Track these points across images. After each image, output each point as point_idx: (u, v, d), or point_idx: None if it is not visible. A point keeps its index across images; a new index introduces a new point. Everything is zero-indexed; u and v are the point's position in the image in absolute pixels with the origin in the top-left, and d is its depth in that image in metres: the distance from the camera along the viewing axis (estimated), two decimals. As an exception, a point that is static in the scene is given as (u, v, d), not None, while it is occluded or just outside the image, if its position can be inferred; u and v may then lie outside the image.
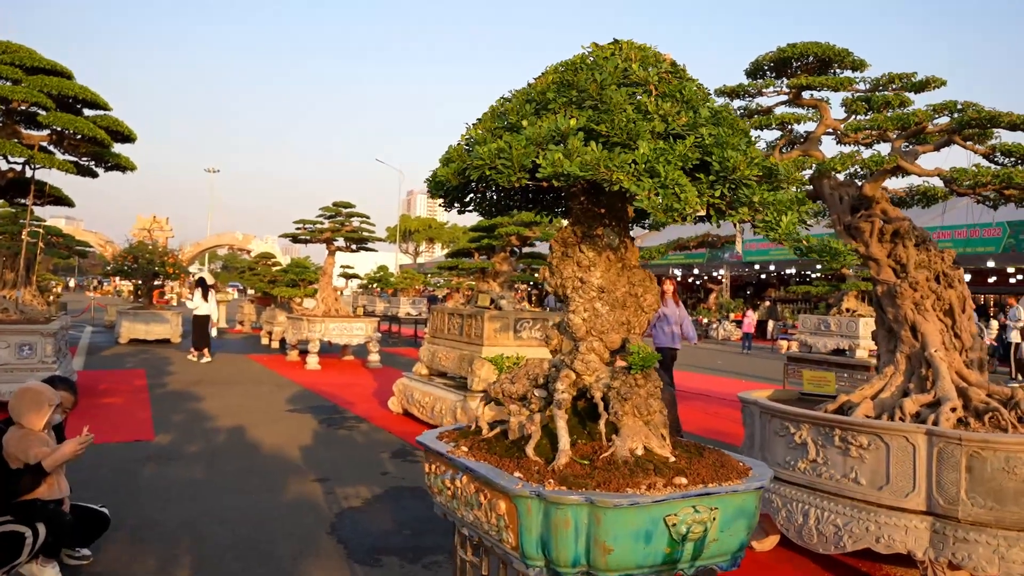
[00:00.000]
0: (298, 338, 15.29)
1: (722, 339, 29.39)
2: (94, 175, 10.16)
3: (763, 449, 4.74)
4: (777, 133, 5.66)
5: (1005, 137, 4.88)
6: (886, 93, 5.21)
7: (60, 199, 10.42)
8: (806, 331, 12.99)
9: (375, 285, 29.20)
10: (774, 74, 5.49)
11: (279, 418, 9.14)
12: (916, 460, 3.98)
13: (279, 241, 49.10)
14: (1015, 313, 17.99)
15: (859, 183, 5.28)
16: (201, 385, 11.74)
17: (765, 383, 13.67)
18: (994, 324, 20.64)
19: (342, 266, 20.90)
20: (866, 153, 5.04)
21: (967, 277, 4.81)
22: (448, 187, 2.71)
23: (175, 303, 28.27)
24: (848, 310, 12.29)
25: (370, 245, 16.82)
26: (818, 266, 26.46)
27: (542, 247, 12.57)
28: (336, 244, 16.25)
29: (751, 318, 25.17)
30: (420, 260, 69.42)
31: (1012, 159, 4.79)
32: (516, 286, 18.73)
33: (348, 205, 16.28)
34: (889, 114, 4.98)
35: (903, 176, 5.28)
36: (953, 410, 4.20)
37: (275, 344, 18.89)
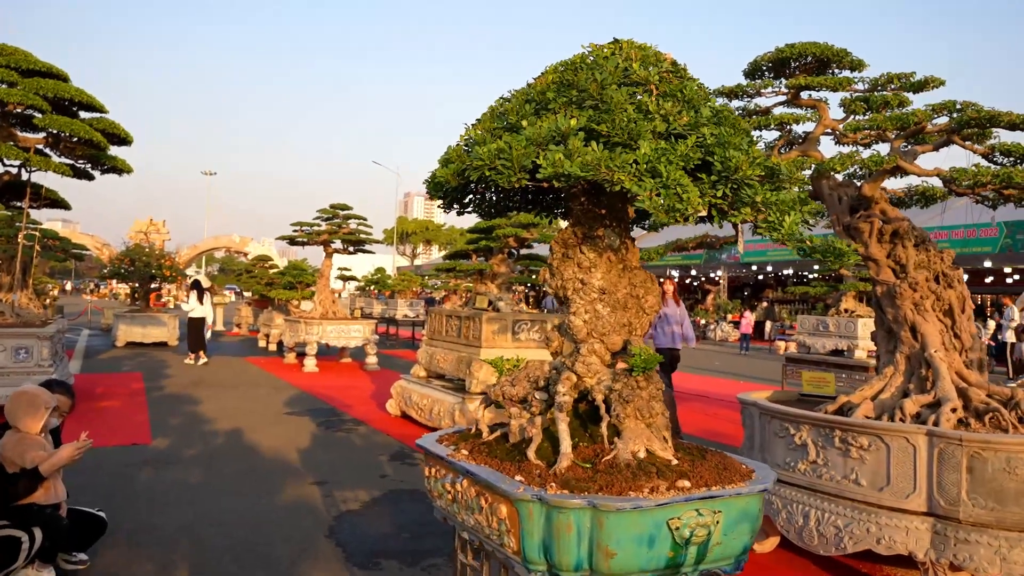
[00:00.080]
0: (296, 340, 15.26)
1: (720, 340, 29.40)
2: (90, 178, 10.12)
3: (763, 450, 4.73)
4: (776, 134, 5.65)
5: (1004, 137, 4.88)
6: (885, 93, 5.20)
7: (56, 202, 10.38)
8: (804, 332, 12.98)
9: (372, 287, 29.18)
10: (772, 74, 5.48)
11: (277, 421, 9.11)
12: (917, 461, 3.97)
13: (276, 244, 49.11)
14: (1010, 313, 18.03)
15: (858, 183, 5.27)
16: (198, 388, 11.70)
17: (763, 384, 13.67)
18: (991, 324, 20.67)
19: (339, 268, 20.85)
20: (865, 153, 5.04)
21: (964, 277, 4.79)
22: (447, 188, 2.69)
23: (172, 306, 28.22)
24: (846, 311, 12.28)
25: (367, 247, 16.80)
26: (816, 267, 26.48)
27: (540, 249, 12.55)
28: (333, 246, 16.22)
29: (749, 319, 25.17)
30: (417, 262, 69.40)
31: (1011, 159, 4.78)
32: (514, 288, 18.71)
33: (345, 207, 16.26)
34: (888, 114, 4.98)
35: (902, 176, 5.27)
36: (953, 411, 4.19)
37: (272, 347, 18.84)
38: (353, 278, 23.51)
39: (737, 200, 2.24)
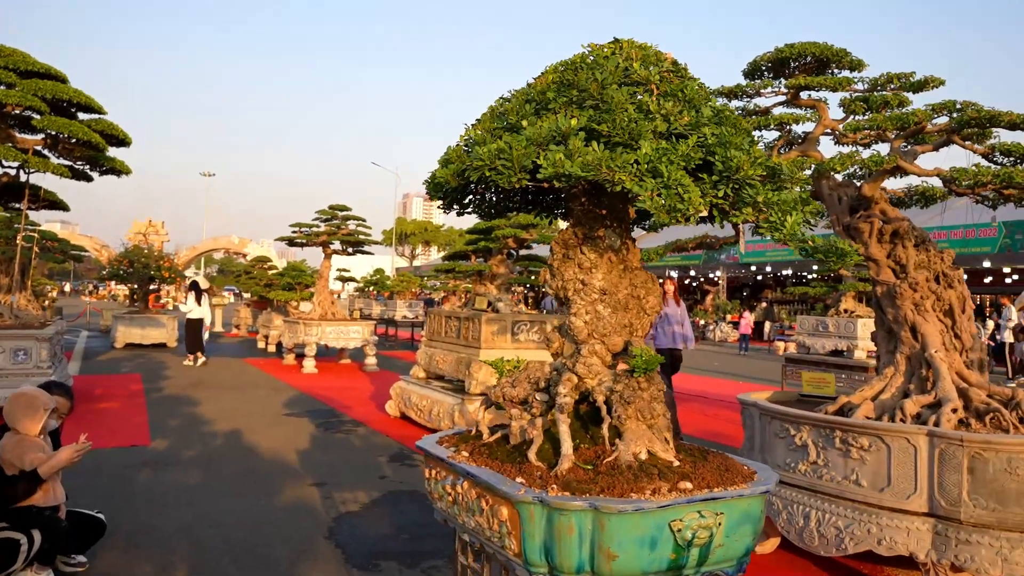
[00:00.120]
0: (295, 342, 15.24)
1: (719, 340, 29.40)
2: (89, 179, 10.11)
3: (763, 451, 4.72)
4: (775, 134, 5.64)
5: (1004, 136, 4.87)
6: (884, 93, 5.19)
7: (55, 203, 10.36)
8: (804, 332, 12.97)
9: (371, 288, 29.15)
10: (772, 74, 5.47)
11: (276, 422, 9.10)
12: (918, 461, 3.96)
13: (275, 245, 49.04)
14: (1007, 313, 18.06)
15: (858, 183, 5.27)
16: (197, 389, 11.69)
17: (763, 384, 13.66)
18: (990, 324, 20.69)
19: (338, 269, 20.83)
20: (865, 153, 5.03)
21: (963, 277, 4.81)
22: (447, 189, 2.68)
23: (171, 307, 28.19)
24: (846, 311, 12.27)
25: (366, 248, 16.79)
26: (815, 267, 26.49)
27: (539, 249, 12.53)
28: (332, 247, 16.21)
29: (748, 319, 25.16)
30: (416, 263, 69.35)
31: (1011, 159, 4.77)
32: (513, 288, 18.70)
33: (344, 208, 16.25)
34: (888, 114, 4.97)
35: (901, 176, 5.27)
36: (954, 411, 4.18)
37: (271, 348, 18.83)
38: (352, 279, 23.50)
39: (739, 200, 2.23)
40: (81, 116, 9.49)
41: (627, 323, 2.70)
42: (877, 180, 4.99)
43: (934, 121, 4.97)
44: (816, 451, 4.35)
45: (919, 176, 5.03)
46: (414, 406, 9.03)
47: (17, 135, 9.14)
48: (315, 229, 16.22)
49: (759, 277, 34.84)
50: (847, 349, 11.84)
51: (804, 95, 5.37)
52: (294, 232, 16.53)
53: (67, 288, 66.74)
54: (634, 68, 2.39)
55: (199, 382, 12.55)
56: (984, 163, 4.86)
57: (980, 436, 3.84)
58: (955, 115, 4.83)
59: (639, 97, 2.38)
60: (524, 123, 2.39)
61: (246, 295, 26.79)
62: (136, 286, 20.48)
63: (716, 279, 34.17)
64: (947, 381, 4.35)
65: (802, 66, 5.34)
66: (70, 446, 3.95)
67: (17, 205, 9.82)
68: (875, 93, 5.26)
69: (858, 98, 5.27)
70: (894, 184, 5.58)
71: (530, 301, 29.27)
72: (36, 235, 12.24)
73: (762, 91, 5.46)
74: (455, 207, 2.91)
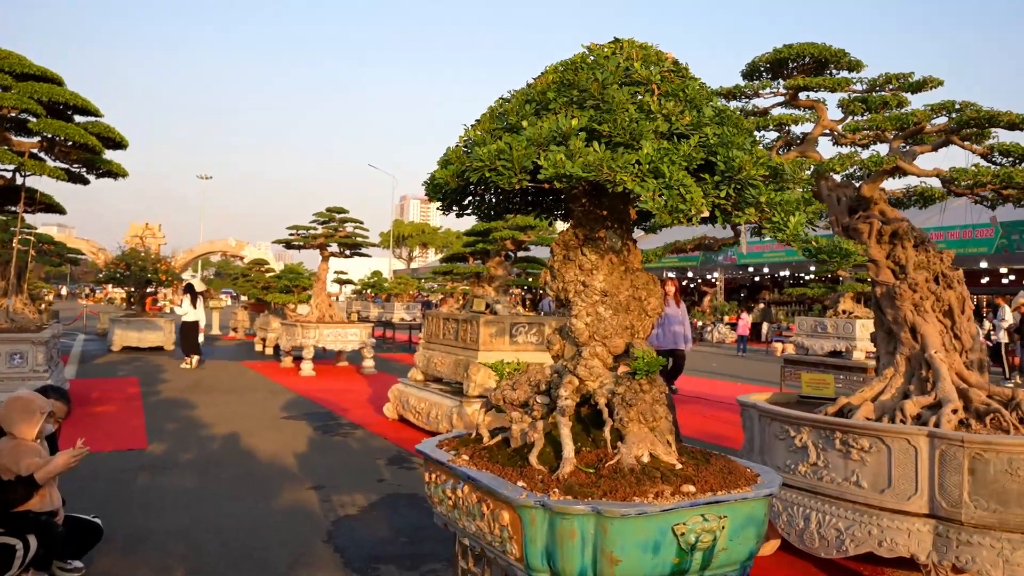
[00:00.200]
0: (292, 344, 15.20)
1: (717, 342, 29.40)
2: (85, 182, 10.09)
3: (763, 453, 4.70)
4: (774, 135, 5.64)
5: (1003, 137, 4.86)
6: (883, 94, 5.19)
7: (51, 206, 10.33)
8: (803, 333, 12.96)
9: (369, 291, 29.12)
10: (770, 75, 5.47)
11: (274, 425, 9.06)
12: (918, 462, 3.95)
13: (272, 247, 49.00)
14: (1002, 313, 18.11)
15: (857, 184, 5.26)
16: (195, 392, 11.65)
17: (761, 386, 13.65)
18: (986, 324, 20.73)
19: (336, 272, 20.81)
20: (864, 154, 5.02)
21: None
22: (447, 190, 2.66)
23: (168, 310, 28.14)
24: (844, 312, 12.27)
25: (364, 250, 16.77)
26: (812, 268, 26.52)
27: (537, 251, 12.52)
28: (329, 250, 16.19)
29: (745, 320, 25.17)
30: (414, 265, 69.35)
31: (1010, 159, 4.77)
32: (511, 290, 18.68)
33: (341, 210, 16.22)
34: (887, 114, 4.96)
35: (900, 177, 5.26)
36: (954, 412, 4.17)
37: (269, 351, 18.78)
38: (349, 281, 23.48)
39: (741, 201, 2.22)
40: (77, 119, 9.47)
41: (628, 325, 2.69)
42: (876, 181, 4.98)
43: (933, 121, 4.96)
44: (816, 452, 4.33)
45: (918, 176, 5.02)
46: (412, 408, 9.00)
47: (13, 138, 9.11)
48: (312, 231, 16.20)
49: (756, 278, 34.88)
50: (846, 350, 11.83)
51: (803, 96, 5.36)
52: (291, 234, 16.51)
53: (64, 291, 66.57)
54: (635, 68, 2.37)
55: (196, 385, 12.52)
56: (983, 163, 4.85)
57: (981, 437, 3.83)
58: (954, 115, 4.83)
59: (640, 97, 2.36)
60: (524, 123, 2.37)
61: (243, 298, 26.73)
62: (133, 289, 20.43)
63: (714, 280, 34.19)
64: (947, 382, 4.33)
65: (801, 67, 5.33)
66: (67, 451, 3.92)
67: (13, 208, 9.80)
68: (874, 93, 5.25)
69: (857, 99, 5.26)
70: (893, 185, 5.58)
71: (528, 303, 29.27)
72: (32, 238, 12.20)
73: (761, 92, 5.45)
74: (454, 208, 2.90)
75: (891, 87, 5.26)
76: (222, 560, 4.54)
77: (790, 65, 5.34)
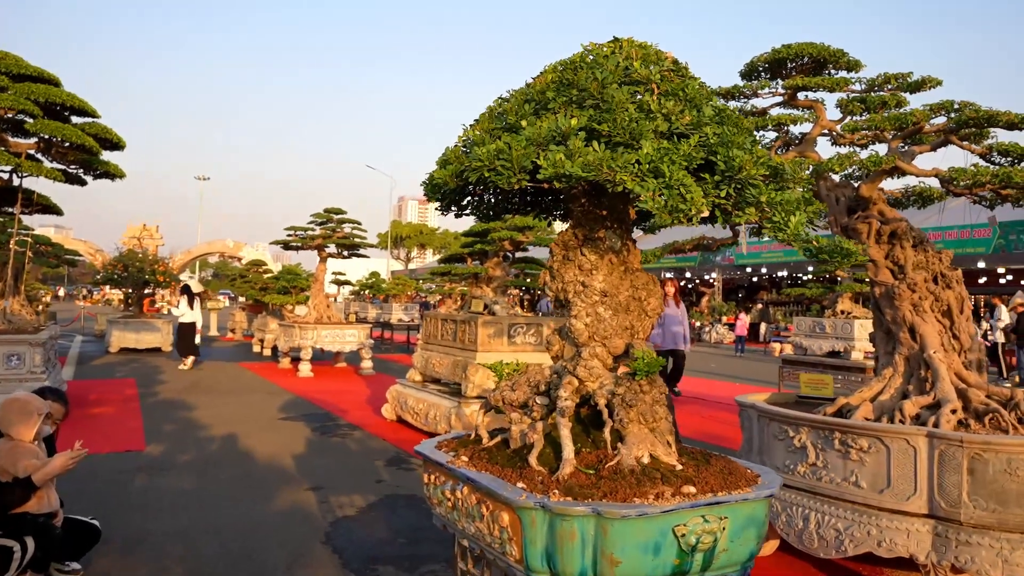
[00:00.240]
0: (290, 345, 15.18)
1: (715, 342, 29.42)
2: (82, 183, 10.07)
3: (762, 453, 4.69)
4: (772, 135, 5.63)
5: (1002, 136, 4.86)
6: (882, 93, 5.18)
7: (48, 207, 10.32)
8: (801, 333, 12.96)
9: (367, 291, 29.10)
10: (769, 75, 5.46)
11: (272, 426, 9.05)
12: (917, 463, 3.94)
13: (270, 248, 48.92)
14: (998, 313, 18.15)
15: (855, 184, 5.25)
16: (193, 394, 11.63)
17: (760, 386, 13.65)
18: (983, 325, 20.75)
19: (334, 273, 20.80)
20: (863, 154, 5.02)
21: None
22: (445, 190, 2.65)
23: (166, 311, 28.12)
24: (843, 312, 12.27)
25: (361, 251, 16.75)
26: (810, 268, 26.54)
27: (535, 252, 12.51)
28: (327, 251, 16.17)
29: (743, 321, 25.18)
30: (412, 266, 69.32)
31: (1009, 158, 4.76)
32: (509, 291, 18.67)
33: (339, 211, 16.21)
34: (886, 114, 4.96)
35: (898, 177, 5.26)
36: (953, 412, 4.16)
37: (267, 352, 18.76)
38: (347, 282, 23.47)
39: (741, 200, 2.21)
40: (74, 120, 9.46)
41: (628, 325, 2.68)
42: (875, 181, 4.98)
43: (932, 121, 4.96)
44: (815, 453, 4.33)
45: (917, 176, 5.02)
46: (410, 409, 8.99)
47: (10, 139, 9.09)
48: (310, 232, 16.18)
49: (754, 279, 34.90)
50: (844, 350, 11.83)
51: (801, 96, 5.35)
52: (289, 235, 16.49)
53: (61, 293, 66.50)
54: (634, 67, 2.36)
55: (194, 386, 12.49)
56: (982, 163, 4.85)
57: (980, 437, 3.82)
58: (953, 115, 4.82)
59: (640, 96, 2.35)
60: (523, 123, 2.37)
61: (241, 299, 26.69)
62: (131, 290, 20.40)
63: (712, 281, 34.21)
64: (946, 382, 4.33)
65: (799, 67, 5.33)
66: (65, 453, 3.90)
67: (10, 209, 9.78)
68: (872, 93, 5.25)
69: (855, 98, 5.26)
70: (891, 185, 5.58)
71: (525, 304, 29.27)
72: (29, 239, 12.17)
73: (759, 92, 5.45)
74: (453, 208, 2.89)
75: (890, 87, 5.26)
76: (220, 561, 4.53)
77: (788, 65, 5.34)
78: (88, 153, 9.22)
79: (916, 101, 6.45)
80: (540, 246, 11.14)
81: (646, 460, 2.39)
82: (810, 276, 27.93)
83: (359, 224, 16.38)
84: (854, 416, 4.39)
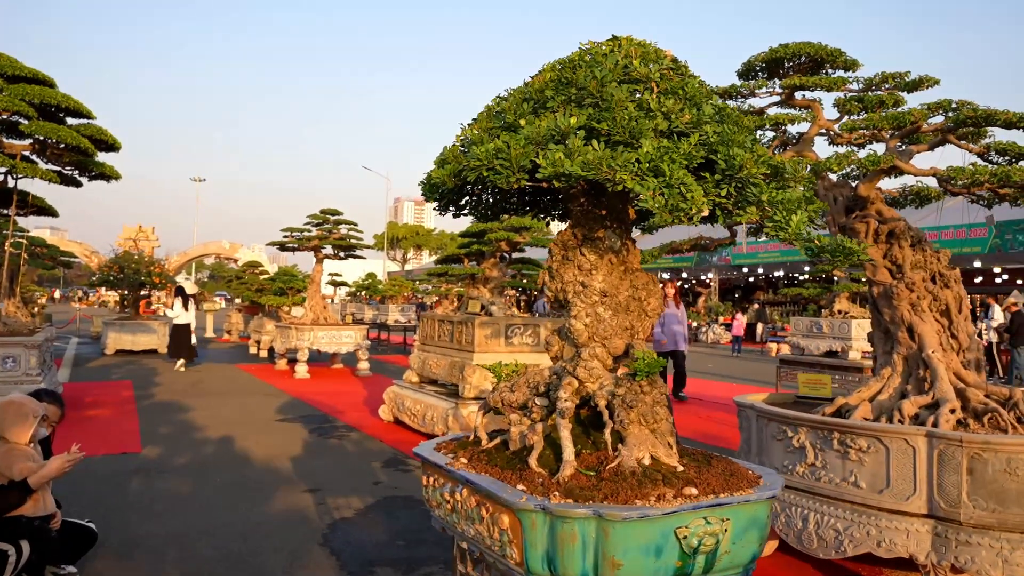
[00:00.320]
0: (286, 347, 15.15)
1: (711, 342, 29.43)
2: (78, 185, 10.03)
3: (760, 453, 4.68)
4: (770, 134, 5.63)
5: (1000, 135, 4.86)
6: (879, 93, 5.18)
7: (44, 209, 10.28)
8: (798, 333, 12.96)
9: (364, 292, 29.07)
10: (766, 75, 5.45)
11: (268, 428, 9.02)
12: (916, 463, 3.93)
13: (266, 249, 48.89)
14: (992, 312, 18.18)
15: (853, 184, 5.25)
16: (189, 396, 11.59)
17: (757, 386, 13.65)
18: (979, 324, 20.78)
19: (330, 274, 20.76)
20: (861, 153, 5.01)
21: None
22: (443, 190, 2.63)
23: (161, 313, 28.08)
24: (840, 312, 12.27)
25: (358, 252, 16.73)
26: (806, 268, 26.56)
27: (532, 252, 12.51)
28: (324, 252, 16.15)
29: (740, 321, 25.18)
30: (408, 267, 69.28)
31: (1007, 158, 4.76)
32: (506, 292, 18.65)
33: (335, 212, 16.18)
34: (883, 113, 4.95)
35: (896, 176, 5.25)
36: (952, 411, 4.16)
37: (263, 353, 18.72)
38: (344, 283, 23.43)
39: (742, 199, 2.20)
40: (70, 121, 9.42)
41: (628, 325, 2.66)
42: (873, 180, 4.97)
43: (929, 120, 4.95)
44: (814, 453, 4.32)
45: (915, 176, 5.01)
46: (408, 411, 8.97)
47: (4, 140, 9.05)
48: (306, 233, 16.16)
49: (751, 279, 34.92)
50: (841, 350, 11.83)
51: (799, 95, 5.35)
52: (285, 237, 16.46)
53: (57, 294, 66.31)
54: (634, 65, 2.35)
55: (191, 388, 12.46)
56: (980, 162, 4.85)
57: (979, 436, 3.82)
58: (950, 114, 4.82)
59: (639, 95, 2.34)
60: (522, 122, 2.35)
61: (237, 300, 26.65)
62: (126, 292, 20.35)
63: (708, 281, 34.22)
64: (945, 381, 4.32)
65: (796, 66, 5.32)
66: (61, 456, 3.88)
67: (5, 211, 9.74)
68: (870, 93, 5.24)
69: (853, 98, 5.25)
70: (889, 184, 5.57)
71: (522, 304, 29.26)
72: (25, 241, 12.14)
73: (757, 91, 5.44)
74: (451, 208, 2.87)
75: (887, 86, 5.25)
76: (217, 565, 4.50)
77: (786, 64, 5.33)
78: (83, 154, 9.18)
79: (914, 100, 6.44)
80: (537, 247, 11.13)
81: (647, 461, 2.37)
82: (807, 276, 27.95)
83: (355, 225, 16.36)
84: (853, 416, 4.38)
